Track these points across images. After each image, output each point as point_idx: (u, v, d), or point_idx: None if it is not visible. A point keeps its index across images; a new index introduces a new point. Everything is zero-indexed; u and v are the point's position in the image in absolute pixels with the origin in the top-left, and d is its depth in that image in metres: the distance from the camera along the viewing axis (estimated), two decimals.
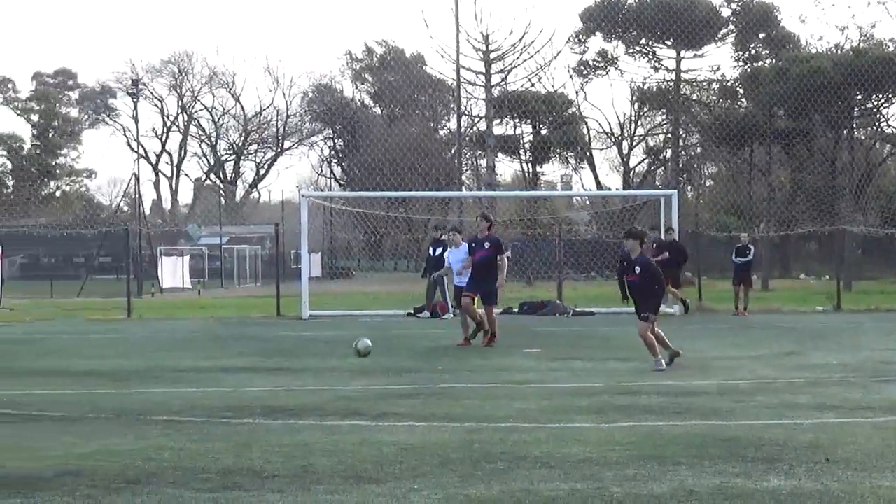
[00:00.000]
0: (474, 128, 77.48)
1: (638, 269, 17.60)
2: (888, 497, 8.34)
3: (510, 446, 10.51)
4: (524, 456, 9.99)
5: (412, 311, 34.19)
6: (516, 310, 35.12)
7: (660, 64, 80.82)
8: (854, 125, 70.98)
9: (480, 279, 22.33)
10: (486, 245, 22.42)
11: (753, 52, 77.50)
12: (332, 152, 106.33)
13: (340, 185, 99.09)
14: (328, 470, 9.42)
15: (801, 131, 68.36)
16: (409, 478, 9.07)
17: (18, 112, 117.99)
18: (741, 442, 10.64)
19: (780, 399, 13.98)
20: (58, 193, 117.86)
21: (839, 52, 70.05)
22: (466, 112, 72.82)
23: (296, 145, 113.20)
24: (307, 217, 36.70)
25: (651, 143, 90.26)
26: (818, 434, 11.17)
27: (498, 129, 77.21)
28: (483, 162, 74.33)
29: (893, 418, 12.38)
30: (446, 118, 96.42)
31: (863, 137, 75.53)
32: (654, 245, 33.52)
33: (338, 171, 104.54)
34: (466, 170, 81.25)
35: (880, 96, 69.63)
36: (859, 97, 68.50)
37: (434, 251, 32.47)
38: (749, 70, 76.17)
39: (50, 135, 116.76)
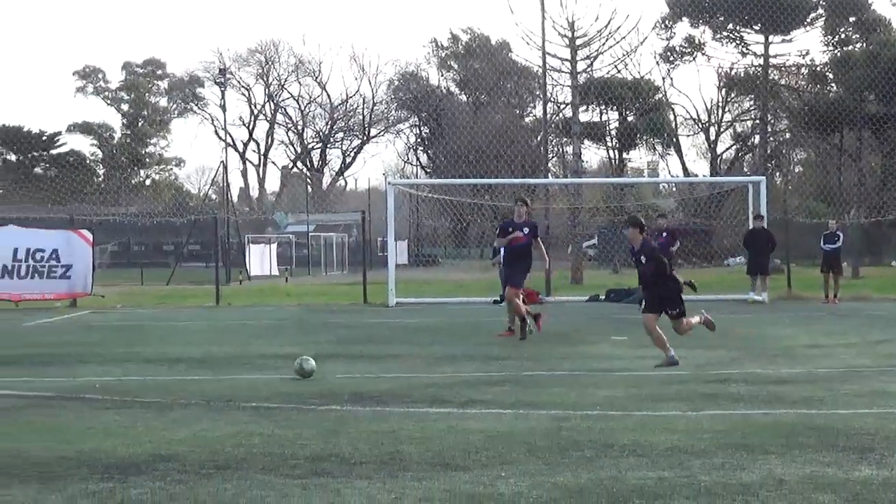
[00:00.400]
0: (560, 115, 77.21)
1: (644, 259, 16.73)
2: None
3: (597, 434, 10.49)
4: (611, 444, 9.97)
5: (498, 299, 34.13)
6: (603, 297, 34.98)
7: (747, 49, 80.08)
8: None
9: (516, 266, 21.28)
10: (525, 230, 21.23)
11: (843, 36, 76.47)
12: (418, 140, 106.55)
13: (426, 172, 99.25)
14: (416, 457, 9.47)
15: (892, 116, 67.35)
16: (497, 465, 9.09)
17: (109, 102, 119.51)
18: (832, 431, 10.55)
19: (871, 387, 13.84)
20: (147, 182, 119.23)
21: None
22: (552, 99, 72.48)
23: (382, 133, 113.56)
24: (393, 204, 36.78)
25: (739, 129, 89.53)
26: None
27: (584, 116, 76.85)
28: (569, 149, 74.11)
29: None
30: (532, 105, 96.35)
31: None
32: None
33: (423, 158, 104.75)
34: (552, 157, 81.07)
35: None
36: None
37: None
38: (839, 54, 75.20)
39: (139, 124, 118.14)
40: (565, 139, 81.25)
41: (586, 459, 9.32)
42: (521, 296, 21.37)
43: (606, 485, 8.38)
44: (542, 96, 71.23)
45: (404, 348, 19.83)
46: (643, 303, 16.71)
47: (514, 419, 11.49)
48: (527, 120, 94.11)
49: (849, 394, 13.29)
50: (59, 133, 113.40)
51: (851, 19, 75.99)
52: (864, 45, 73.39)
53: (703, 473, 8.73)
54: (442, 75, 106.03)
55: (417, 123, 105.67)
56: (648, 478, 8.59)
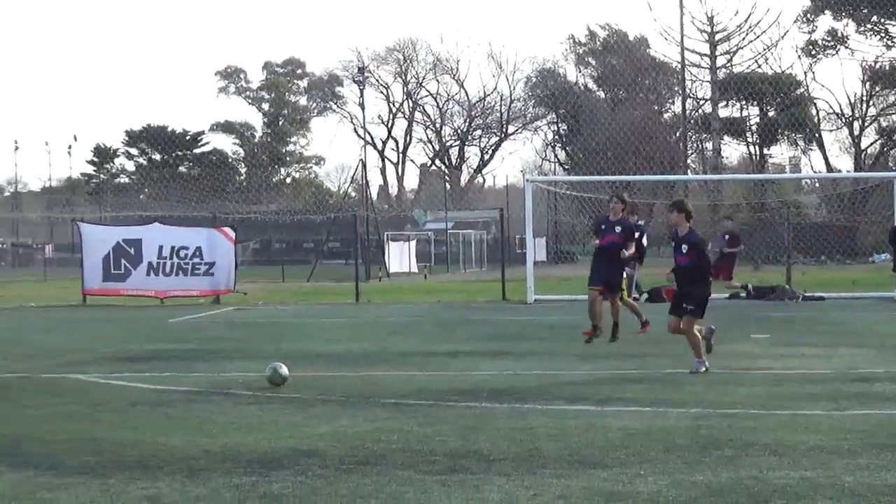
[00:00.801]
0: (699, 110, 76.56)
1: (685, 248, 15.53)
2: None
3: (737, 433, 10.38)
4: (752, 443, 9.86)
5: (636, 297, 33.86)
6: (744, 294, 34.54)
7: (893, 41, 78.53)
8: None
9: (605, 267, 19.81)
10: (617, 229, 19.72)
11: None
12: (556, 136, 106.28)
13: (564, 169, 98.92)
14: (554, 454, 9.47)
15: None
16: (635, 463, 9.05)
17: (250, 101, 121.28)
18: None
19: None
20: (288, 180, 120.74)
21: None
22: (691, 95, 71.99)
23: (519, 130, 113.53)
24: (531, 202, 36.75)
25: (884, 124, 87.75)
26: None
27: (723, 112, 76.13)
28: (708, 145, 73.49)
29: None
30: (670, 101, 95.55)
31: None
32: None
33: (562, 155, 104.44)
34: (691, 153, 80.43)
35: None
36: None
37: None
38: None
39: (280, 123, 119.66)
40: (705, 135, 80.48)
41: (726, 458, 9.24)
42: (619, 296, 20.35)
43: (747, 484, 8.30)
44: (680, 92, 70.81)
45: (543, 345, 19.82)
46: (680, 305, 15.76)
47: (652, 417, 11.43)
48: (665, 116, 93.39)
49: None
50: (203, 132, 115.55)
51: None
52: None
53: (847, 474, 8.59)
54: (580, 72, 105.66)
55: (555, 120, 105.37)
56: (790, 478, 8.48)
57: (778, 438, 10.07)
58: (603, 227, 20.12)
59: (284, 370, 14.05)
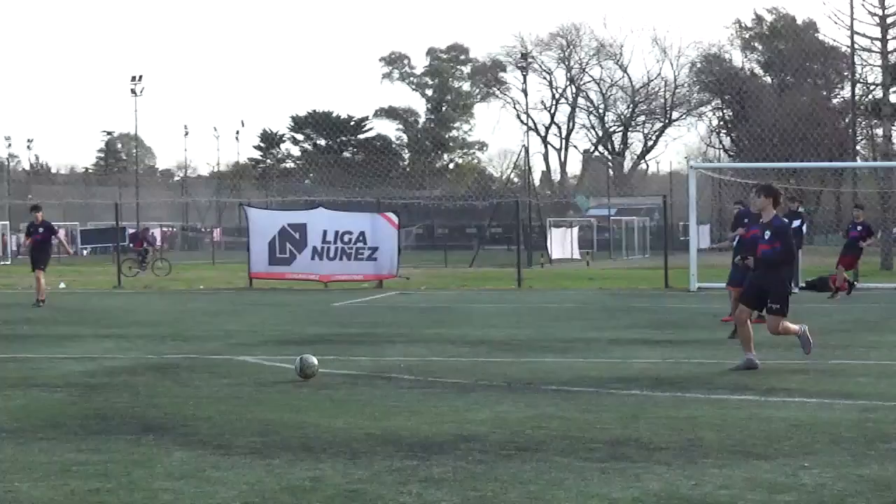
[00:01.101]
0: (870, 96, 74.80)
1: (768, 235, 14.54)
2: None
3: None
4: None
5: (804, 285, 33.31)
6: (844, 293, 33.75)
7: None
8: None
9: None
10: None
11: None
12: (721, 123, 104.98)
13: (729, 155, 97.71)
14: (716, 444, 9.38)
15: None
16: (799, 455, 8.92)
17: (413, 87, 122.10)
18: None
19: None
20: (451, 166, 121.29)
21: None
22: (861, 80, 70.36)
23: (683, 116, 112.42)
24: (695, 189, 36.37)
25: None
26: None
27: (895, 97, 74.25)
28: (879, 131, 71.73)
29: None
30: (839, 86, 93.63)
31: None
32: None
33: (726, 141, 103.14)
34: (861, 140, 78.68)
35: None
36: None
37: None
38: None
39: (443, 109, 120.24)
40: (875, 121, 78.66)
41: (893, 452, 9.05)
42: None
43: None
44: (850, 77, 69.32)
45: (705, 334, 19.64)
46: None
47: (818, 408, 11.25)
48: (834, 102, 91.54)
49: None
50: (367, 118, 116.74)
51: None
52: None
53: None
54: (745, 57, 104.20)
55: (720, 106, 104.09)
56: None
57: None
58: (747, 220, 18.26)
59: (312, 359, 13.48)
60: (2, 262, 61.10)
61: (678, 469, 8.47)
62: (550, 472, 8.40)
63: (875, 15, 58.59)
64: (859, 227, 30.27)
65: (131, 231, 62.05)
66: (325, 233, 35.19)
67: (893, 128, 72.01)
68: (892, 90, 66.94)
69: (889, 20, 59.17)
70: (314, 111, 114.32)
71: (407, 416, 10.92)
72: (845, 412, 11.01)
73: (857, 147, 73.34)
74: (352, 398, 12.18)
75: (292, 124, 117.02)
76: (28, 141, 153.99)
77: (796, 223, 29.00)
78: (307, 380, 13.16)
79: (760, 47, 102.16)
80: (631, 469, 8.49)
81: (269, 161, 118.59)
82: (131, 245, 53.40)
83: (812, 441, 9.50)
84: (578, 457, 8.92)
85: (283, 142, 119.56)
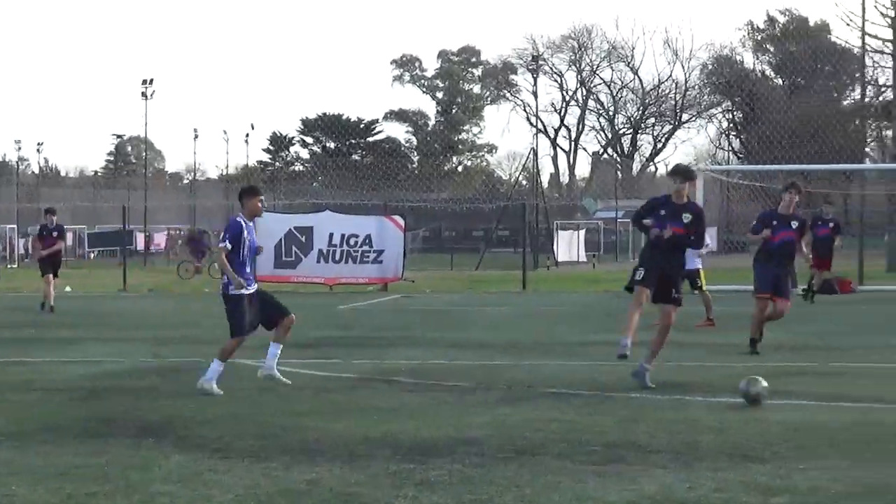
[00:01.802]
0: (881, 98, 74.73)
1: (795, 224, 15.96)
2: None
3: None
4: None
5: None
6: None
7: None
8: None
9: (768, 268, 17.04)
10: (793, 224, 16.96)
11: None
12: (731, 125, 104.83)
13: (738, 157, 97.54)
14: (713, 447, 9.42)
15: None
16: (795, 458, 8.95)
17: (424, 89, 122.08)
18: None
19: None
20: (460, 168, 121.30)
21: None
22: (872, 81, 70.33)
23: (693, 118, 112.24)
24: (703, 191, 36.35)
25: None
26: None
27: None
28: (888, 133, 71.72)
29: None
30: (850, 88, 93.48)
31: None
32: None
33: (736, 143, 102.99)
34: (871, 141, 78.62)
35: None
36: None
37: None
38: None
39: (453, 111, 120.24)
40: (885, 123, 78.62)
41: (891, 454, 9.08)
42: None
43: None
44: (861, 79, 69.19)
45: (707, 337, 19.62)
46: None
47: (816, 411, 11.28)
48: (844, 104, 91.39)
49: None
50: (377, 121, 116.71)
51: None
52: None
53: None
54: (757, 58, 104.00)
55: (731, 108, 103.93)
56: None
57: None
58: (775, 222, 17.10)
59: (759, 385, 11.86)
60: (9, 266, 61.13)
61: (674, 472, 8.50)
62: (546, 476, 8.43)
63: (887, 16, 58.65)
64: (830, 224, 28.70)
65: (184, 234, 62.31)
66: (331, 236, 35.23)
67: None
68: None
69: None
70: (324, 114, 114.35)
71: (406, 419, 10.95)
72: (843, 415, 11.04)
73: (867, 149, 73.28)
74: (352, 401, 12.21)
75: (302, 127, 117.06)
76: (38, 144, 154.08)
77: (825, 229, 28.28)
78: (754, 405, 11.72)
79: (772, 49, 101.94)
80: (627, 472, 8.51)
81: (277, 164, 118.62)
82: (187, 247, 53.76)
83: (808, 444, 9.52)
84: (575, 460, 8.95)
85: (293, 144, 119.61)
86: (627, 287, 13.55)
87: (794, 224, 17.04)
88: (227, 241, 12.84)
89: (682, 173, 13.96)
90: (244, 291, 12.85)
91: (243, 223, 13.03)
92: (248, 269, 13.04)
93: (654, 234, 13.26)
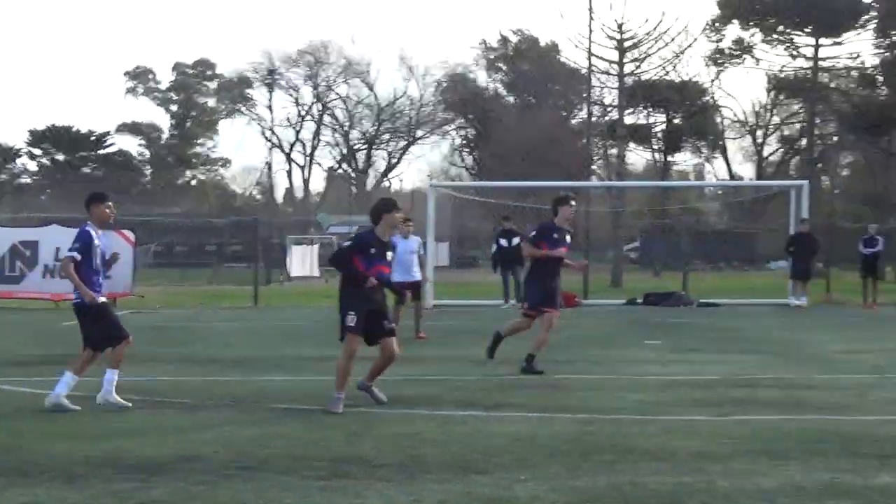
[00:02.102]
0: (606, 117, 77.00)
1: (569, 238, 16.66)
2: None
3: (621, 439, 10.51)
4: (633, 448, 9.99)
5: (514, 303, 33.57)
6: (641, 300, 34.88)
7: (797, 52, 79.77)
8: None
9: (551, 283, 16.67)
10: (568, 239, 16.72)
11: (895, 38, 75.95)
12: (464, 141, 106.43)
13: (471, 174, 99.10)
14: (437, 460, 9.53)
15: None
16: (517, 468, 9.13)
17: (158, 102, 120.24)
18: (855, 437, 10.52)
19: None
20: (193, 182, 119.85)
21: None
22: (598, 101, 72.48)
23: (428, 134, 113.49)
24: (434, 206, 36.79)
25: (786, 133, 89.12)
26: None
27: (630, 119, 76.75)
28: (614, 151, 73.83)
29: None
30: (579, 107, 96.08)
31: None
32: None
33: (469, 160, 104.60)
34: (598, 159, 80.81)
35: None
36: None
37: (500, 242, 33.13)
38: (890, 57, 74.69)
39: (187, 124, 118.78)
40: (611, 141, 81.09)
41: (607, 464, 9.34)
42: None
43: (625, 490, 8.41)
44: (588, 98, 71.14)
45: (438, 350, 19.83)
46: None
47: (539, 423, 11.52)
48: (573, 122, 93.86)
49: (878, 400, 13.23)
50: (108, 133, 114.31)
51: None
52: None
53: (723, 479, 8.73)
54: (490, 77, 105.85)
55: (464, 125, 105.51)
56: (666, 483, 8.60)
57: (659, 444, 10.21)
58: (555, 234, 16.58)
59: None
60: None
61: (399, 485, 8.57)
62: (271, 491, 8.40)
63: (613, 39, 60.46)
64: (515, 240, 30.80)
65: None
66: (57, 251, 34.19)
67: (628, 148, 74.43)
68: (627, 112, 69.13)
69: (626, 43, 61.12)
70: (53, 125, 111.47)
71: (130, 437, 10.75)
72: (565, 426, 11.30)
73: (594, 167, 75.30)
74: (74, 421, 11.92)
75: (30, 139, 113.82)
76: None
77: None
78: None
79: (505, 68, 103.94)
80: (352, 486, 8.55)
81: (4, 176, 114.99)
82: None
83: (530, 455, 9.72)
84: (300, 475, 8.94)
85: (20, 156, 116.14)
86: (341, 338, 12.64)
87: (569, 239, 16.79)
88: (76, 251, 12.51)
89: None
90: (97, 300, 12.51)
91: (93, 231, 12.72)
92: (99, 279, 12.90)
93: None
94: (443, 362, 17.77)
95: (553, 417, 11.86)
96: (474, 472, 9.01)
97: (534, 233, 16.88)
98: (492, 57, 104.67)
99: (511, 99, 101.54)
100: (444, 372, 16.39)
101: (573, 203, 17.10)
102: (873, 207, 66.47)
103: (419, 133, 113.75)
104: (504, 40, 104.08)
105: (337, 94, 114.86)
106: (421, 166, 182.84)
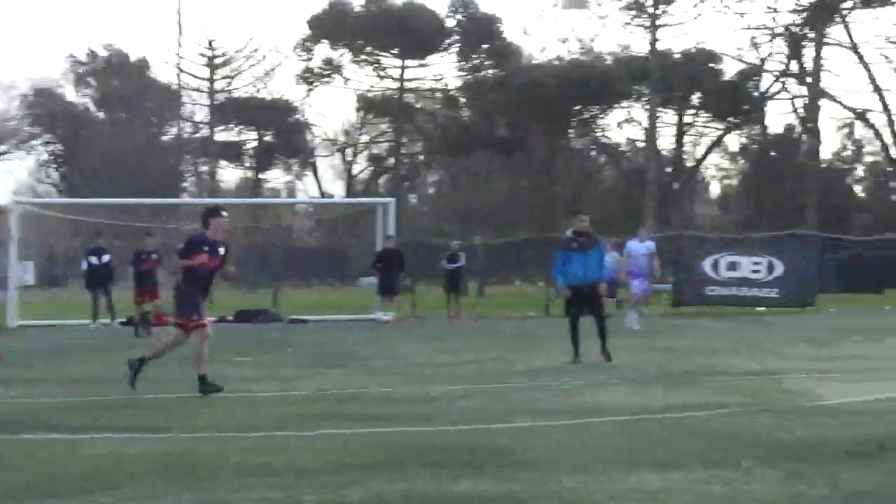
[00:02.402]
0: (199, 133, 76.71)
1: (223, 250, 16.23)
2: (570, 498, 8.64)
3: (206, 457, 10.48)
4: (221, 466, 9.97)
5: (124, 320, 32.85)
6: (231, 318, 34.87)
7: (385, 72, 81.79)
8: (571, 135, 73.14)
9: (202, 297, 16.47)
10: (221, 251, 16.16)
11: (477, 62, 79.16)
12: (52, 157, 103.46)
13: (59, 191, 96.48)
14: (19, 485, 9.23)
15: (520, 140, 70.12)
16: (101, 491, 8.95)
17: None
18: (436, 447, 10.87)
19: (485, 404, 14.29)
20: None
21: (560, 63, 72.12)
22: (189, 117, 72.11)
23: (13, 149, 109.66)
24: (18, 224, 35.68)
25: (374, 151, 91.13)
26: (510, 438, 11.51)
27: (223, 136, 76.73)
28: (206, 168, 73.68)
29: (578, 421, 12.76)
30: (171, 123, 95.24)
31: (579, 147, 77.93)
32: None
33: (56, 176, 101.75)
34: (190, 176, 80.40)
35: (596, 107, 72.06)
36: (577, 108, 70.71)
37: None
38: (472, 80, 77.76)
39: None
40: (203, 158, 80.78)
41: (194, 482, 9.26)
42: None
43: None
44: (178, 114, 70.70)
45: (21, 373, 19.24)
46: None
47: (126, 443, 11.36)
48: (165, 139, 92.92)
49: (460, 410, 13.69)
50: None
51: (484, 46, 78.72)
52: (496, 71, 76.16)
53: (308, 493, 8.82)
54: (80, 92, 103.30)
55: (52, 140, 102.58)
56: (252, 499, 8.63)
57: (247, 460, 10.23)
58: (206, 248, 16.08)
59: None
60: None
61: None
62: None
63: (203, 55, 60.30)
64: (153, 255, 30.48)
65: None
66: None
67: (220, 165, 74.36)
68: (219, 129, 69.10)
69: (217, 60, 61.12)
70: None
71: None
72: (154, 445, 11.20)
73: (186, 183, 74.90)
74: None
75: None
76: None
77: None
78: None
79: (95, 83, 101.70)
80: None
81: None
82: None
83: (116, 476, 9.52)
84: None
85: None
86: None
87: (222, 250, 16.25)
88: None
89: None
90: None
91: None
92: None
93: None
94: (26, 384, 17.21)
95: (141, 437, 11.70)
96: (58, 496, 8.79)
97: (182, 245, 16.53)
98: (81, 71, 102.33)
99: (102, 114, 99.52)
100: (26, 395, 15.85)
101: (225, 213, 16.55)
102: (458, 224, 68.83)
103: (2, 148, 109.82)
104: (93, 55, 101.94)
105: None
106: (6, 183, 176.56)
